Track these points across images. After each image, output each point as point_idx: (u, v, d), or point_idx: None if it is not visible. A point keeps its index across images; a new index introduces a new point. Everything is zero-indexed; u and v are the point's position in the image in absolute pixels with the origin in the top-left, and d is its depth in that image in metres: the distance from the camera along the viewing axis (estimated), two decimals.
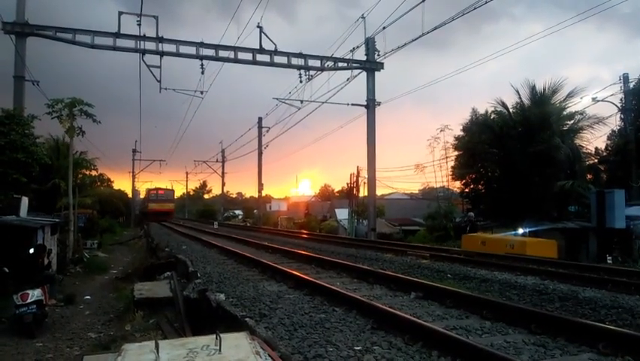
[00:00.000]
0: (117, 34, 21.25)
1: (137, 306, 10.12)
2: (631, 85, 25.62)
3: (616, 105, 25.76)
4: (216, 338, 3.13)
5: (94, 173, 34.34)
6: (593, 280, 9.38)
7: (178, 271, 12.93)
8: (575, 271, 10.69)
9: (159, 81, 22.48)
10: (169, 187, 65.43)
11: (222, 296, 7.59)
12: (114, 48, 21.48)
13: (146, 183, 73.17)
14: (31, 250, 12.10)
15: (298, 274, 9.39)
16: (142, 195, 73.97)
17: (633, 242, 18.08)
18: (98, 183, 43.69)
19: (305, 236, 26.21)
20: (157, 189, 60.66)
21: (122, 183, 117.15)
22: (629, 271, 11.33)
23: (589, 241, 18.75)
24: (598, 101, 25.27)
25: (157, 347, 3.02)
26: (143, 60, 21.69)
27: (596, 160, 27.82)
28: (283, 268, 10.21)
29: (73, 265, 20.29)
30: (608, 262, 16.58)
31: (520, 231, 19.96)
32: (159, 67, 22.06)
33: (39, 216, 18.21)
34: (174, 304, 9.78)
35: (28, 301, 10.17)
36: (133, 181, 67.31)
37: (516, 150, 23.94)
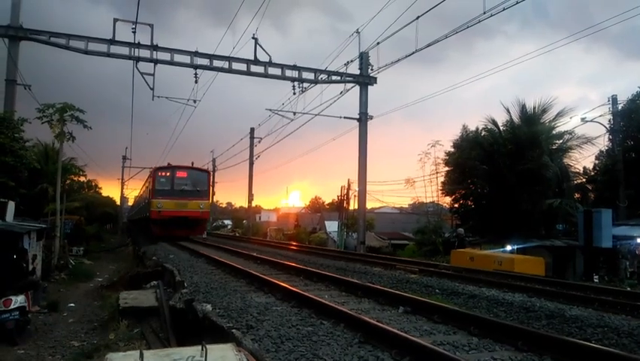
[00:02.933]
0: (111, 41, 21.23)
1: (122, 315, 9.99)
2: (619, 106, 26.04)
3: (604, 126, 26.16)
4: (202, 349, 3.10)
5: (82, 179, 34.17)
6: (579, 299, 9.42)
7: (165, 280, 12.80)
8: (562, 290, 10.74)
9: (152, 89, 22.47)
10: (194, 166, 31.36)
11: (209, 307, 7.51)
12: (108, 55, 21.43)
13: (135, 191, 56.65)
14: (15, 256, 11.95)
15: (286, 286, 9.33)
16: (133, 198, 57.24)
17: (620, 262, 18.25)
18: (86, 189, 43.38)
19: (294, 248, 26.12)
20: (173, 167, 28.97)
21: (111, 190, 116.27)
22: (615, 291, 11.41)
23: (576, 259, 18.90)
24: (587, 121, 25.65)
25: (141, 356, 2.98)
26: (136, 67, 21.68)
27: (584, 180, 28.16)
28: (271, 280, 10.14)
29: (58, 271, 20.04)
30: (595, 281, 16.69)
31: (509, 248, 20.07)
32: (153, 75, 22.05)
33: (25, 221, 17.99)
34: (160, 313, 9.68)
35: (11, 307, 10.01)
36: (122, 188, 66.74)
37: (505, 167, 24.16)
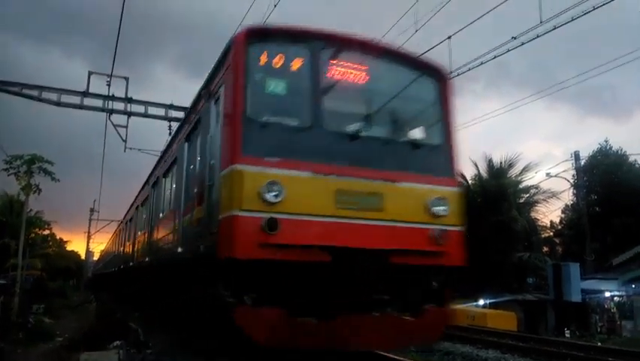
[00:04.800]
0: (85, 93, 21.10)
1: None
2: (582, 162, 27.07)
3: (568, 181, 27.06)
4: None
5: (46, 232, 33.16)
6: (552, 355, 9.43)
7: (129, 339, 12.25)
8: (535, 345, 10.74)
9: (125, 141, 22.21)
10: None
11: None
12: (81, 107, 21.19)
13: (102, 244, 52.44)
14: None
15: None
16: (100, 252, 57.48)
17: (590, 316, 18.40)
18: (50, 244, 41.96)
19: None
20: (321, 36, 6.28)
21: (77, 244, 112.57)
22: (586, 346, 11.47)
23: (547, 313, 18.97)
24: (551, 176, 26.52)
25: None
26: (109, 120, 21.52)
27: (551, 233, 28.79)
28: None
29: (16, 330, 18.95)
30: (566, 335, 16.72)
31: (481, 302, 20.05)
32: (126, 127, 21.90)
33: None
34: None
35: None
36: (87, 241, 64.18)
37: (475, 220, 24.49)
